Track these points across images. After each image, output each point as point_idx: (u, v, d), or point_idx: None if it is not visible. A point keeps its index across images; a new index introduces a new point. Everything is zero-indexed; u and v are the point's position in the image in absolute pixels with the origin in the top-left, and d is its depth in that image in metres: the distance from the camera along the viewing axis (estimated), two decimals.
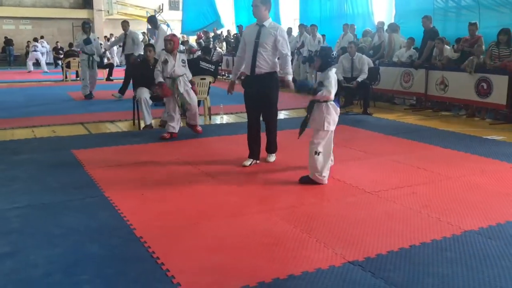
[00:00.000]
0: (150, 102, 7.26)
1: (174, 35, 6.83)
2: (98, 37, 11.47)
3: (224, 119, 8.42)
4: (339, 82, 8.57)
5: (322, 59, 4.61)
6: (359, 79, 8.82)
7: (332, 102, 4.53)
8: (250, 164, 5.21)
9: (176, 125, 6.60)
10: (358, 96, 9.53)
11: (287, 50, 5.07)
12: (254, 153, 5.28)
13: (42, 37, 22.55)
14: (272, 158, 5.39)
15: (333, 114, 4.54)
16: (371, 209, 3.89)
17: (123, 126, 7.63)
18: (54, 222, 3.59)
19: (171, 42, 6.52)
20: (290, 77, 5.06)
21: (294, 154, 5.44)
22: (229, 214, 3.78)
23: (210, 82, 8.17)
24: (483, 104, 8.24)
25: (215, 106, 8.54)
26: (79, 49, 11.06)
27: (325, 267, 2.87)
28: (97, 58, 10.95)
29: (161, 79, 6.42)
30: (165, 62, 6.45)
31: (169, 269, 2.84)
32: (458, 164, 5.23)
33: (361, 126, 7.62)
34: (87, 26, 10.73)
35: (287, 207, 3.92)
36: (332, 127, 4.57)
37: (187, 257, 3.02)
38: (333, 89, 4.49)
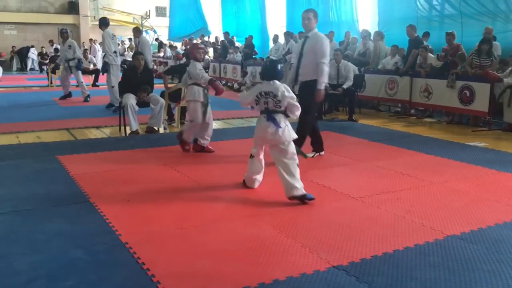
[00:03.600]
0: (137, 108, 7.25)
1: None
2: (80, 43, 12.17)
3: None
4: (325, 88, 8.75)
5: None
6: (344, 86, 8.91)
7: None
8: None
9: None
10: (343, 103, 9.64)
11: (320, 58, 5.39)
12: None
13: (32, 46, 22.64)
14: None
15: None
16: (355, 215, 3.93)
17: (109, 132, 7.60)
18: (38, 228, 3.57)
19: (204, 52, 6.48)
20: (320, 86, 5.43)
21: None
22: (214, 220, 3.79)
23: None
24: (466, 111, 8.38)
25: None
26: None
27: (310, 271, 2.90)
28: (73, 63, 11.42)
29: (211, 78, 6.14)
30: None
31: (154, 275, 2.84)
32: (441, 170, 5.30)
33: (346, 132, 7.69)
34: (64, 31, 11.59)
35: (272, 213, 3.94)
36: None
37: (173, 263, 3.02)
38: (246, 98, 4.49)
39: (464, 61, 8.67)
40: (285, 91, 4.22)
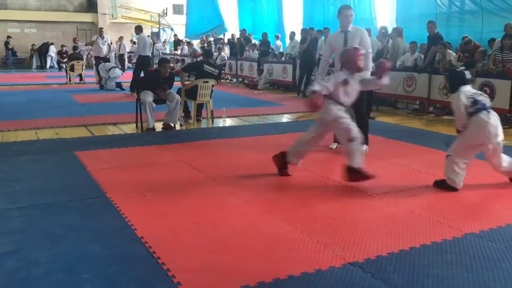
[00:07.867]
0: (154, 105, 7.30)
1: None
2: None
3: (227, 122, 8.43)
4: None
5: (450, 81, 4.93)
6: None
7: None
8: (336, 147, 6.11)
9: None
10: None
11: (368, 47, 5.81)
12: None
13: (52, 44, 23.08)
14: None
15: None
16: (372, 212, 3.89)
17: (126, 129, 7.66)
18: (56, 222, 3.61)
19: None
20: (367, 73, 5.59)
21: None
22: (230, 216, 3.80)
23: (213, 85, 8.21)
24: None
25: (217, 109, 8.58)
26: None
27: (325, 268, 2.88)
28: None
29: (318, 88, 4.46)
30: (345, 83, 4.69)
31: (169, 269, 2.85)
32: None
33: None
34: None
35: (288, 209, 3.93)
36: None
37: (188, 257, 3.03)
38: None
39: (485, 57, 8.53)
40: None
